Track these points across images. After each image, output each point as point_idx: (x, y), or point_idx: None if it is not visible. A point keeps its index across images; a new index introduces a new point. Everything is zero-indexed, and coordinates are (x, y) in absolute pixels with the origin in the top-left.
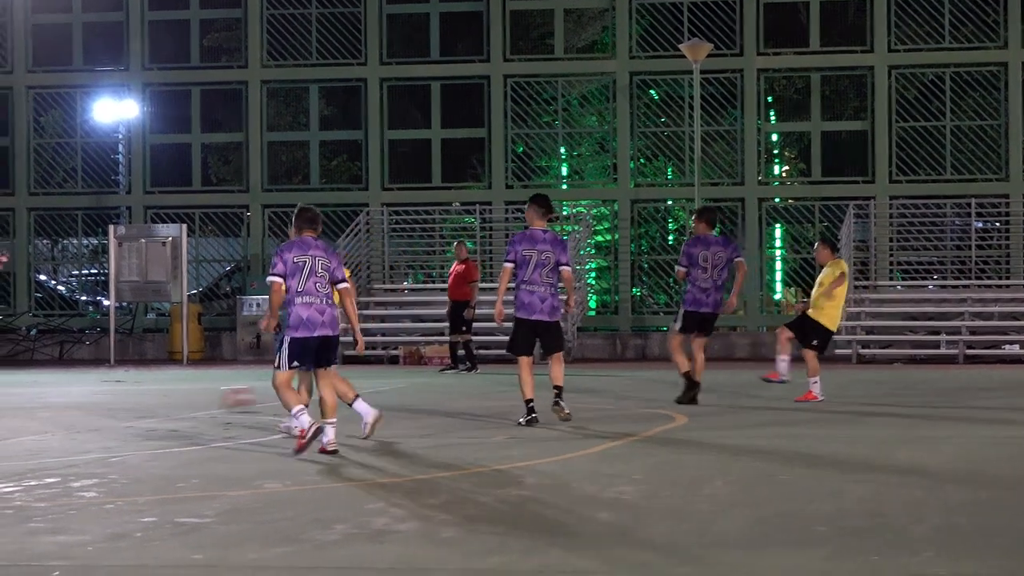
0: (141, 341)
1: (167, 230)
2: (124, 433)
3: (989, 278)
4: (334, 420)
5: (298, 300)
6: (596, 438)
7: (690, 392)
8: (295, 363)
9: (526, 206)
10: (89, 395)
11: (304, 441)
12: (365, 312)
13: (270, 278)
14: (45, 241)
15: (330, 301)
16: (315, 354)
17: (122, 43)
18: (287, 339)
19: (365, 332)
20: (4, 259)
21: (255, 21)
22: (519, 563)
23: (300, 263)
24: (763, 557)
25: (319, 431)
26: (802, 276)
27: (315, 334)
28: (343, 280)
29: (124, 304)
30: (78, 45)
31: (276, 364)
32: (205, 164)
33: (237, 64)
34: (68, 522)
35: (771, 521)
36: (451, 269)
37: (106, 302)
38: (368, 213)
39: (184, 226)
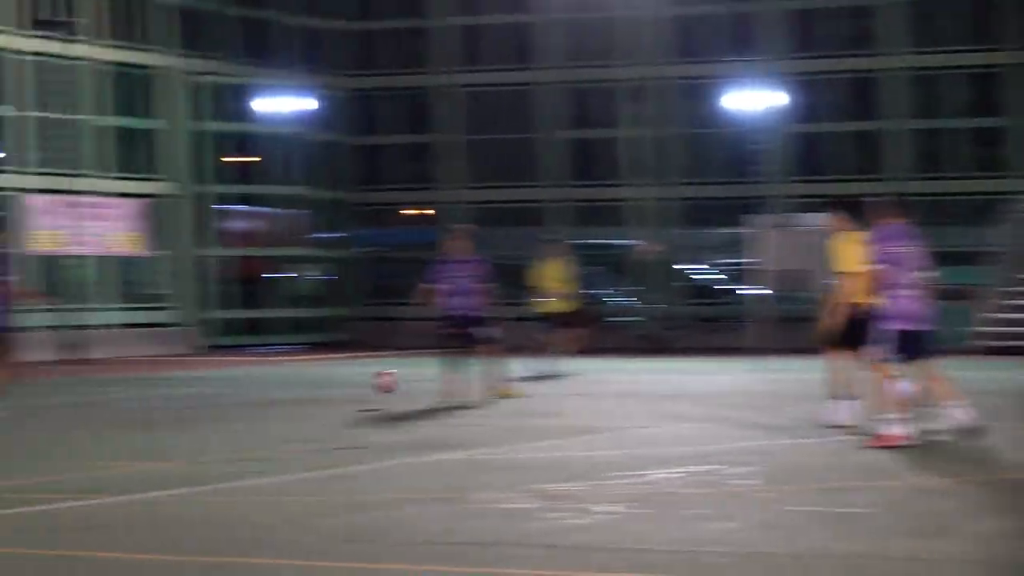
0: (786, 329)
1: (811, 219)
2: (773, 422)
3: None
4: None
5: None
6: None
7: None
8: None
9: None
10: (737, 384)
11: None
12: (1013, 302)
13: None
14: (691, 231)
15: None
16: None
17: (760, 33)
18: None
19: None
20: (657, 250)
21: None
22: None
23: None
24: None
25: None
26: None
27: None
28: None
29: (770, 292)
30: (718, 36)
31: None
32: (838, 153)
33: (876, 52)
34: (723, 509)
35: None
36: None
37: (747, 291)
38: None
39: (828, 215)
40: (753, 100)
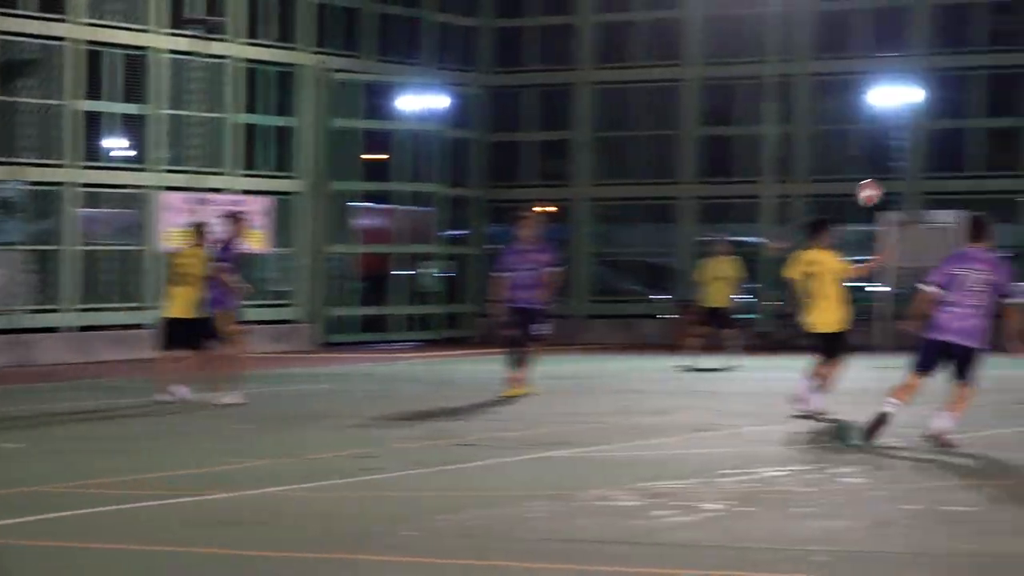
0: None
1: (942, 216)
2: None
3: None
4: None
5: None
6: None
7: None
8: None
9: None
10: (854, 382)
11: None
12: None
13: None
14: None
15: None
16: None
17: (903, 28)
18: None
19: None
20: (785, 246)
21: None
22: None
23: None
24: None
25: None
26: None
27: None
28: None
29: (901, 290)
30: (859, 31)
31: None
32: (986, 149)
33: (1018, 48)
34: (832, 507)
35: None
36: None
37: (874, 288)
38: None
39: (960, 212)
40: (893, 96)
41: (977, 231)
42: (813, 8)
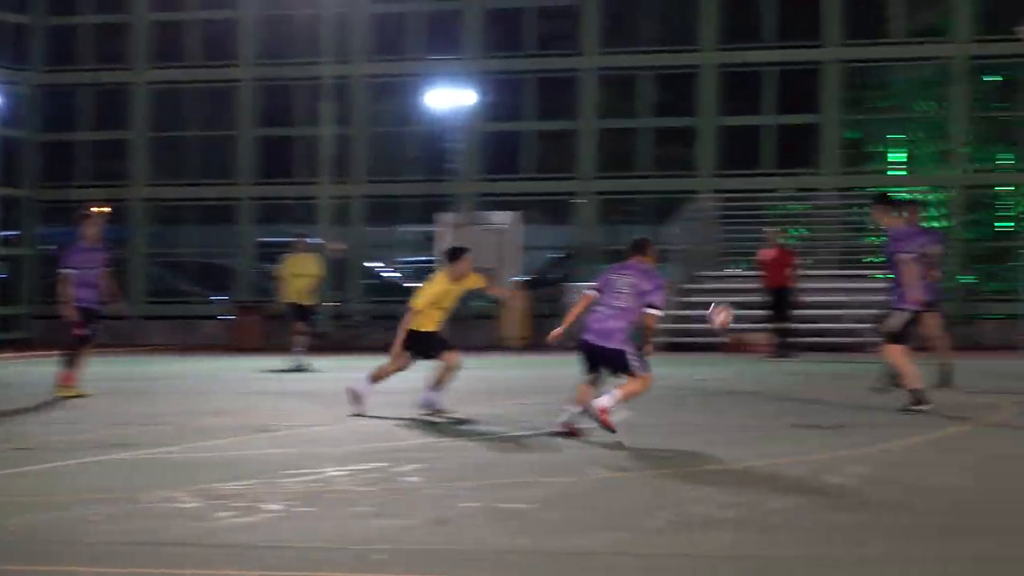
0: (469, 327)
1: (500, 217)
2: (449, 419)
3: None
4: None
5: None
6: (927, 427)
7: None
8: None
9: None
10: (417, 381)
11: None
12: (689, 300)
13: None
14: (379, 228)
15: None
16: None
17: (458, 32)
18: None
19: (691, 320)
20: (342, 247)
21: (591, 8)
22: (850, 552)
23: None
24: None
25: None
26: None
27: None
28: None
29: None
30: (414, 34)
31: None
32: (537, 151)
33: (571, 52)
34: (392, 506)
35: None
36: (765, 256)
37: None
38: (698, 200)
39: (519, 214)
40: (448, 98)
41: (637, 247)
42: (368, 10)
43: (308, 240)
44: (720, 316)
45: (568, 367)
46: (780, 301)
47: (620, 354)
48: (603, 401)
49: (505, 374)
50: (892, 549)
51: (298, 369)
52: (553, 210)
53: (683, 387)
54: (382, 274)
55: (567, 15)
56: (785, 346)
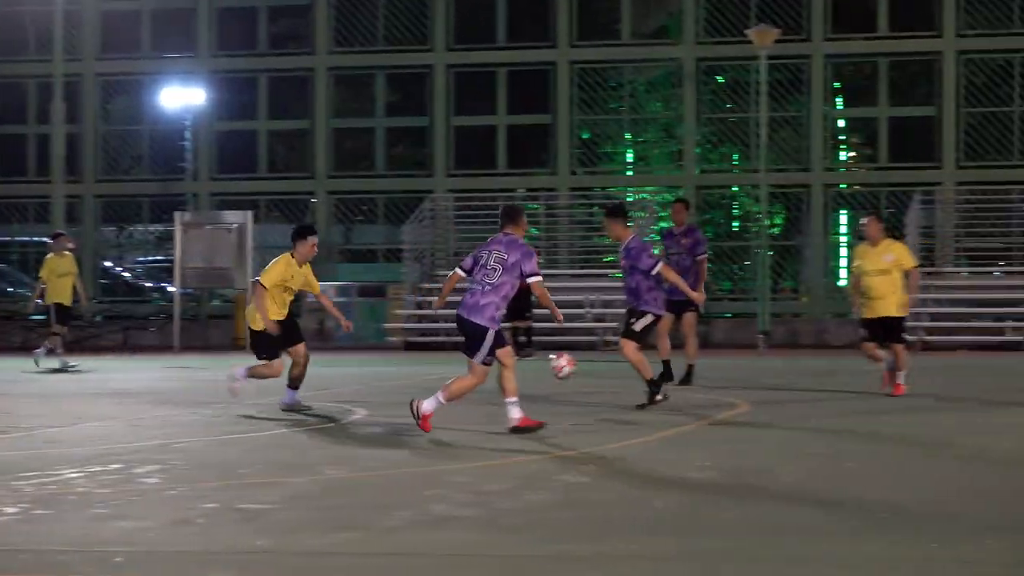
0: (206, 328)
1: (233, 216)
2: (188, 419)
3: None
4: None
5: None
6: (661, 425)
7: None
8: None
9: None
10: (154, 381)
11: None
12: (425, 299)
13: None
14: (111, 228)
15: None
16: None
17: (190, 30)
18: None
19: (429, 319)
20: (71, 246)
21: (323, 8)
22: (581, 549)
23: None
24: (826, 543)
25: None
26: None
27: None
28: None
29: (189, 291)
30: (146, 32)
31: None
32: (271, 151)
33: (304, 51)
34: (131, 508)
35: (835, 508)
36: None
37: (171, 289)
38: (433, 199)
39: (250, 213)
40: (181, 97)
41: (508, 216)
42: (99, 7)
43: (66, 236)
44: (563, 363)
45: (310, 367)
46: (518, 301)
47: (482, 332)
48: (426, 406)
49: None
50: (629, 545)
51: (63, 369)
52: (288, 209)
53: (424, 386)
54: (116, 274)
55: (300, 14)
56: (525, 344)
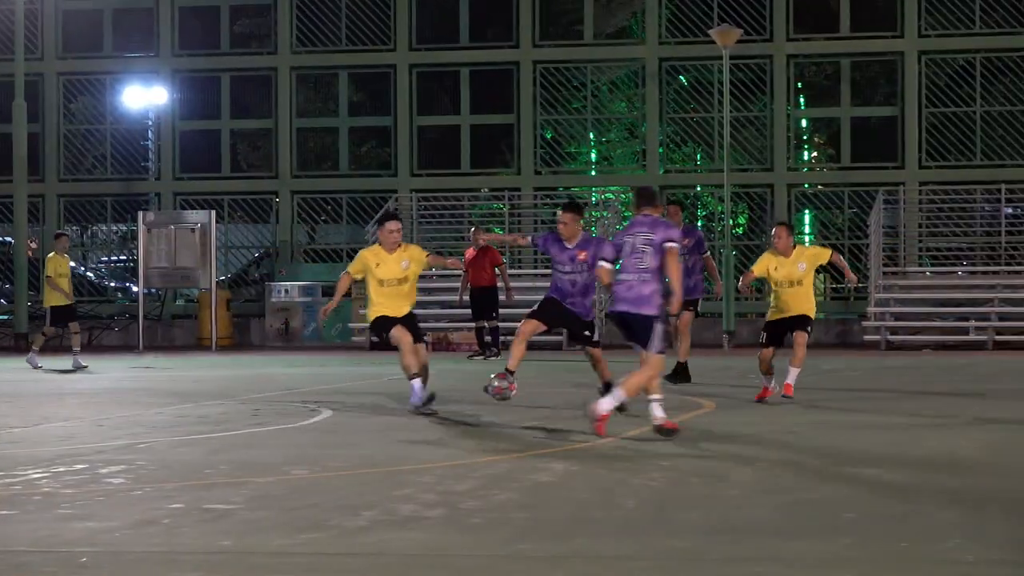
0: (170, 327)
1: (196, 216)
2: (153, 419)
3: (1019, 264)
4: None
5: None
6: (626, 424)
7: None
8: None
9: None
10: (118, 381)
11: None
12: None
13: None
14: (74, 227)
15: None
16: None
17: (152, 29)
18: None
19: None
20: (33, 245)
21: (285, 7)
22: (546, 549)
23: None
24: (790, 544)
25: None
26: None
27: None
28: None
29: (153, 290)
30: (108, 31)
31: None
32: (234, 151)
33: (267, 51)
34: (96, 508)
35: (799, 508)
36: (467, 255)
37: (135, 288)
38: (397, 199)
39: (213, 212)
40: (143, 97)
41: (644, 197)
42: (59, 6)
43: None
44: (500, 384)
45: (275, 366)
46: (484, 300)
47: (651, 323)
48: (604, 407)
49: (210, 374)
50: (594, 545)
51: (78, 368)
52: (252, 209)
53: (391, 388)
54: (79, 274)
55: (262, 13)
56: (490, 344)
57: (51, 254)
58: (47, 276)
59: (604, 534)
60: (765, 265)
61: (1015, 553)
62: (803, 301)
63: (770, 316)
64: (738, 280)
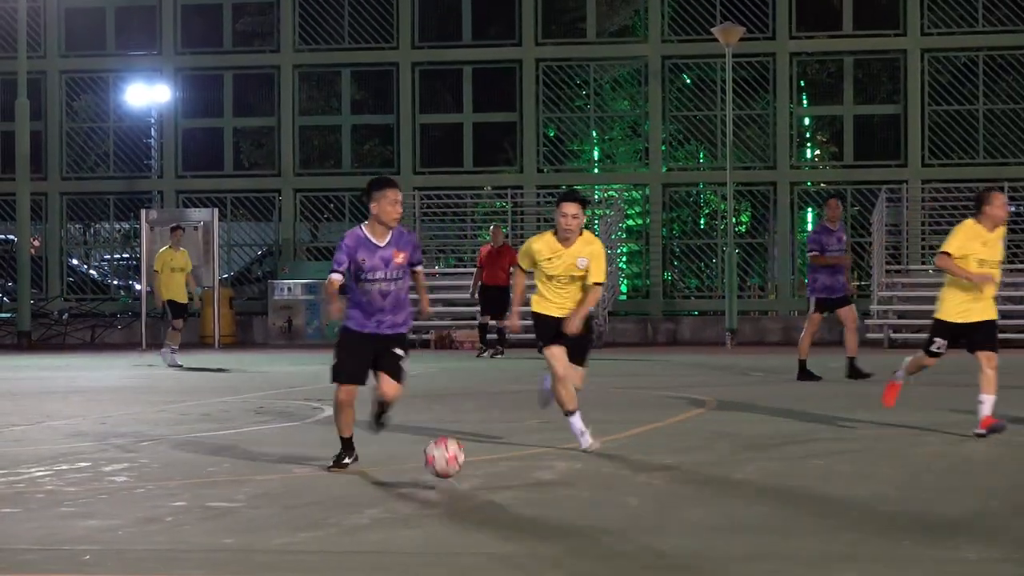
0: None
1: (199, 214)
2: (156, 417)
3: (1022, 262)
4: None
5: None
6: (629, 423)
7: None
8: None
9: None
10: (121, 379)
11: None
12: None
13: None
14: (77, 226)
15: None
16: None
17: (155, 27)
18: None
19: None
20: (36, 243)
21: (287, 5)
22: (548, 547)
23: None
24: (791, 541)
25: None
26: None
27: None
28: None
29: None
30: (110, 29)
31: None
32: (237, 149)
33: (269, 48)
34: (99, 506)
35: (803, 505)
36: (484, 252)
37: (138, 286)
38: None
39: (216, 210)
40: (146, 94)
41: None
42: (62, 5)
43: (183, 231)
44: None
45: (278, 364)
46: (497, 299)
47: None
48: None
49: (212, 372)
50: (595, 544)
51: (176, 366)
52: (255, 207)
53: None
54: (82, 272)
55: (265, 11)
56: (497, 342)
57: (163, 248)
58: (155, 270)
59: (604, 533)
60: (971, 238)
61: (1018, 551)
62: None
63: (953, 315)
64: (742, 279)
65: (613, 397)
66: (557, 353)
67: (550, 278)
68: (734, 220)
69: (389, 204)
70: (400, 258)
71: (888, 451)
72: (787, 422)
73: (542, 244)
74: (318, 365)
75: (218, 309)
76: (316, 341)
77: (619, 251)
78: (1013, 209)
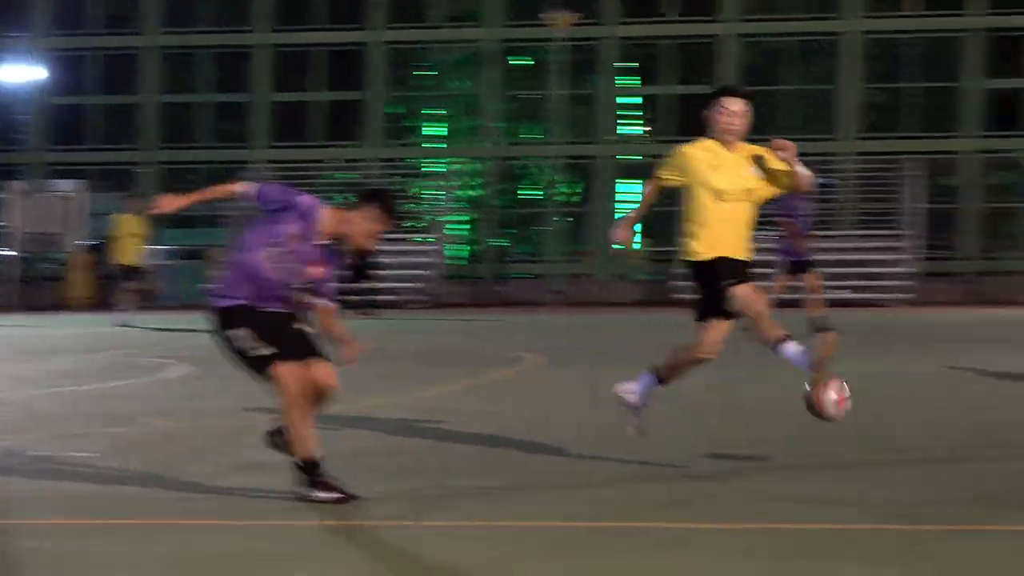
0: (38, 288)
1: (64, 185)
2: (17, 373)
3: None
4: None
5: None
6: (462, 376)
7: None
8: None
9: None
10: None
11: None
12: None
13: None
14: None
15: None
16: None
17: (27, 11)
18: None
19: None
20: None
21: None
22: (375, 492)
23: None
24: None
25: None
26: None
27: None
28: None
29: (25, 254)
30: None
31: None
32: (104, 124)
33: (134, 31)
34: None
35: (802, 491)
36: None
37: (6, 252)
38: (252, 169)
39: (81, 182)
40: (17, 73)
41: None
42: None
43: (138, 197)
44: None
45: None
46: (363, 265)
47: None
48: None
49: (71, 332)
50: (426, 485)
51: (124, 325)
52: (118, 179)
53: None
54: None
55: None
56: (371, 305)
57: (122, 214)
58: (113, 236)
59: (433, 476)
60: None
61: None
62: None
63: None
64: (569, 245)
65: (446, 352)
66: (749, 292)
67: (718, 195)
68: (565, 190)
69: None
70: None
71: (711, 402)
72: (610, 376)
73: (700, 149)
74: (181, 324)
75: (79, 273)
76: (173, 304)
77: (456, 219)
78: (822, 181)
